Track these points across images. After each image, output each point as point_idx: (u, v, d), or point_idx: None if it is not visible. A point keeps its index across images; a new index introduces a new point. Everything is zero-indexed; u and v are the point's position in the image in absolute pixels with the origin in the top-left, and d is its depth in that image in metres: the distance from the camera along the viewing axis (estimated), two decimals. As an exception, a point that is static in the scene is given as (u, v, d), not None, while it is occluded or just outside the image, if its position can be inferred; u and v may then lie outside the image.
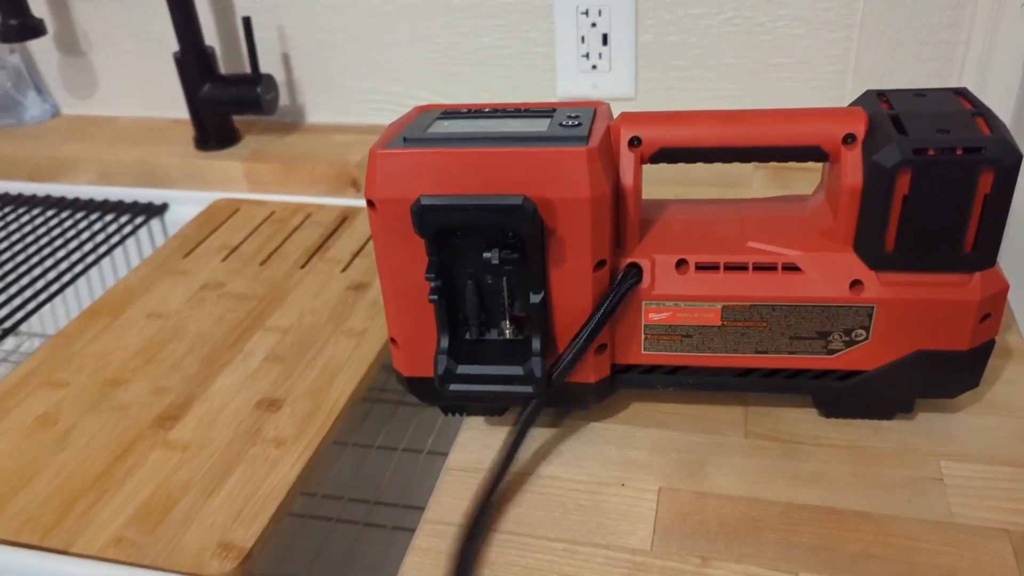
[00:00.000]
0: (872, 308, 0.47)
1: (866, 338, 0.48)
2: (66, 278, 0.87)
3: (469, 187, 0.45)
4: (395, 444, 0.86)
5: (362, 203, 0.93)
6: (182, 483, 0.57)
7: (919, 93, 0.49)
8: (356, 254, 0.83)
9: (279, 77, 1.02)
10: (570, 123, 0.47)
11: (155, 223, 0.98)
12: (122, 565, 0.51)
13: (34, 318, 1.10)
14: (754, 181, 0.83)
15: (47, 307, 1.08)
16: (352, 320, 0.73)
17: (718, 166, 0.86)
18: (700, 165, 0.86)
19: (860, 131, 0.46)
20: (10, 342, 1.11)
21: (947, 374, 0.49)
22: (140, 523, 0.54)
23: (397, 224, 0.46)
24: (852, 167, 0.46)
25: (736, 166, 0.86)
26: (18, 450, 0.61)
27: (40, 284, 0.87)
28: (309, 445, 0.60)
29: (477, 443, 0.54)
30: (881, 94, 0.49)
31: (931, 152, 0.44)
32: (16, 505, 0.56)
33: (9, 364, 1.09)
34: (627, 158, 0.48)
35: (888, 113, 0.46)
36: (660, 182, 0.84)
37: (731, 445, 0.52)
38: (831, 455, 0.50)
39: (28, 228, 0.96)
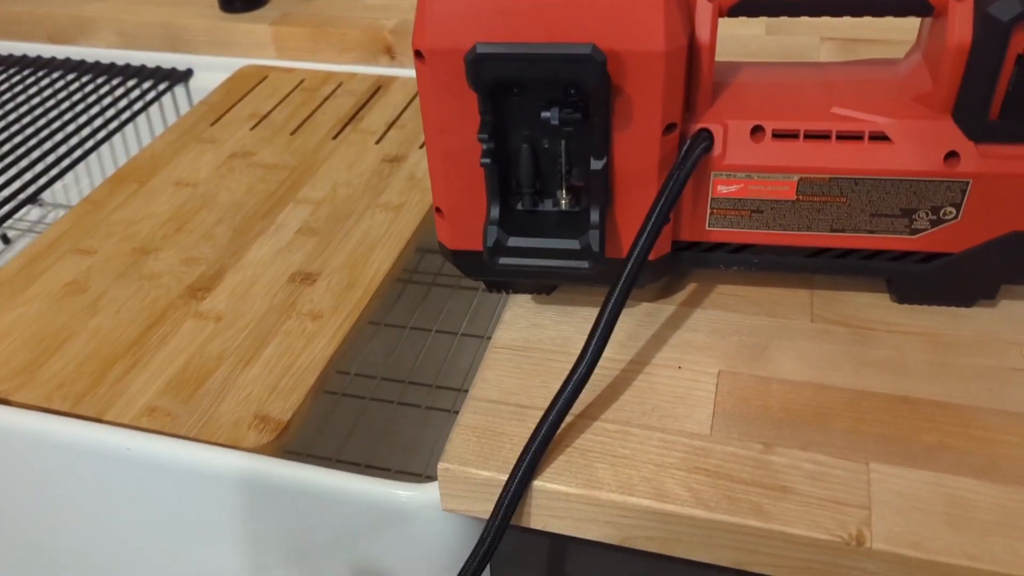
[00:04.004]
0: (967, 183, 0.43)
1: (956, 216, 0.44)
2: (88, 144, 0.84)
3: (529, 35, 0.40)
4: (428, 326, 0.84)
5: (396, 72, 0.88)
6: (216, 354, 0.55)
7: (1039, -60, 0.43)
8: (391, 125, 0.79)
9: (307, -66, 0.95)
10: (642, -33, 0.42)
11: (179, 89, 0.93)
12: (157, 435, 0.50)
13: (57, 188, 1.08)
14: (820, 55, 0.77)
15: (70, 176, 1.05)
16: (388, 194, 0.70)
17: (782, 37, 0.80)
18: (760, 37, 0.80)
19: (973, -20, 0.41)
20: (35, 213, 1.09)
21: (1041, 259, 0.45)
22: (174, 393, 0.53)
23: (448, 78, 0.42)
24: (961, 22, 0.41)
25: (801, 38, 0.79)
26: (49, 315, 0.59)
27: (63, 150, 0.83)
28: (347, 320, 0.57)
29: (524, 321, 0.51)
30: (996, -60, 0.43)
31: (1055, 4, 0.39)
32: (48, 370, 0.55)
33: (35, 235, 1.07)
34: (704, 9, 0.43)
35: (1006, -40, 0.41)
36: (719, 54, 0.78)
37: (796, 329, 0.49)
38: (904, 342, 0.47)
39: (49, 92, 0.92)
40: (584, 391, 0.46)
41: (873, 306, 0.49)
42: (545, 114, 0.42)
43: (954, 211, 0.44)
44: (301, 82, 0.87)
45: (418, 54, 0.42)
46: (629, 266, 0.43)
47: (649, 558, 0.46)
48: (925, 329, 0.48)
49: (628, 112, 0.42)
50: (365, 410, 0.78)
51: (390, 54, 0.87)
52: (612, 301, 0.42)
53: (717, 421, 0.44)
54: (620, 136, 0.43)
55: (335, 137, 0.77)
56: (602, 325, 0.42)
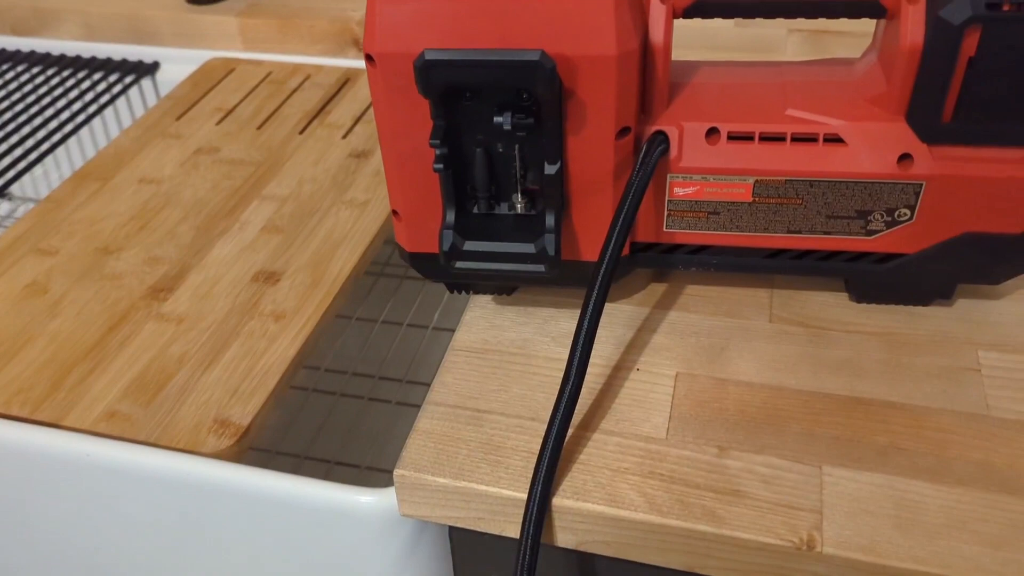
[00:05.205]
0: (920, 185, 0.43)
1: (910, 218, 0.44)
2: (56, 138, 0.83)
3: (480, 40, 0.40)
4: (400, 319, 0.84)
5: (364, 64, 0.87)
6: (177, 356, 0.55)
7: (993, -60, 0.43)
8: (358, 119, 0.78)
9: (274, -77, 0.94)
10: (594, -31, 0.41)
11: (146, 83, 0.92)
12: (116, 440, 0.50)
13: (27, 182, 1.06)
14: (787, 47, 0.76)
15: (39, 171, 1.03)
16: (353, 190, 0.69)
17: (748, 30, 0.79)
18: (728, 28, 0.80)
19: (925, -18, 0.40)
20: (3, 207, 1.08)
21: (995, 258, 0.45)
22: (134, 397, 0.52)
23: (399, 82, 0.42)
24: (913, 24, 0.40)
25: (768, 30, 0.79)
26: (7, 319, 0.58)
27: (30, 144, 0.82)
28: (309, 320, 0.57)
29: (484, 323, 0.51)
30: (950, -60, 0.43)
31: (1006, 8, 0.38)
32: (6, 376, 0.54)
33: (3, 229, 1.06)
34: (657, 11, 0.43)
35: (958, -38, 0.40)
36: (684, 47, 0.77)
37: (754, 330, 0.49)
38: (861, 342, 0.47)
39: (14, 85, 0.91)
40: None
41: (831, 305, 0.50)
42: (498, 119, 0.41)
43: (908, 212, 0.44)
44: (268, 75, 0.86)
45: (369, 58, 0.42)
46: (600, 281, 0.42)
47: (613, 561, 0.47)
48: (882, 328, 0.48)
49: (581, 116, 0.42)
50: (335, 406, 0.78)
51: (357, 46, 0.86)
52: (587, 318, 0.42)
53: (673, 424, 0.44)
54: (574, 140, 0.43)
55: (302, 132, 0.77)
56: (582, 340, 0.42)
